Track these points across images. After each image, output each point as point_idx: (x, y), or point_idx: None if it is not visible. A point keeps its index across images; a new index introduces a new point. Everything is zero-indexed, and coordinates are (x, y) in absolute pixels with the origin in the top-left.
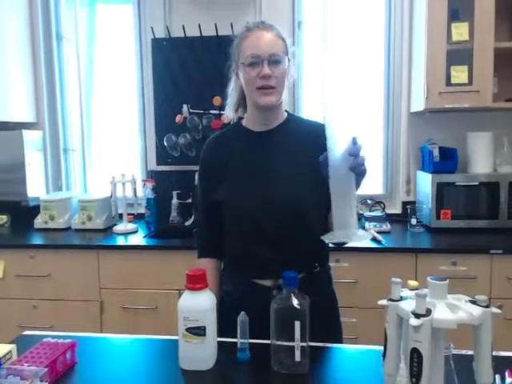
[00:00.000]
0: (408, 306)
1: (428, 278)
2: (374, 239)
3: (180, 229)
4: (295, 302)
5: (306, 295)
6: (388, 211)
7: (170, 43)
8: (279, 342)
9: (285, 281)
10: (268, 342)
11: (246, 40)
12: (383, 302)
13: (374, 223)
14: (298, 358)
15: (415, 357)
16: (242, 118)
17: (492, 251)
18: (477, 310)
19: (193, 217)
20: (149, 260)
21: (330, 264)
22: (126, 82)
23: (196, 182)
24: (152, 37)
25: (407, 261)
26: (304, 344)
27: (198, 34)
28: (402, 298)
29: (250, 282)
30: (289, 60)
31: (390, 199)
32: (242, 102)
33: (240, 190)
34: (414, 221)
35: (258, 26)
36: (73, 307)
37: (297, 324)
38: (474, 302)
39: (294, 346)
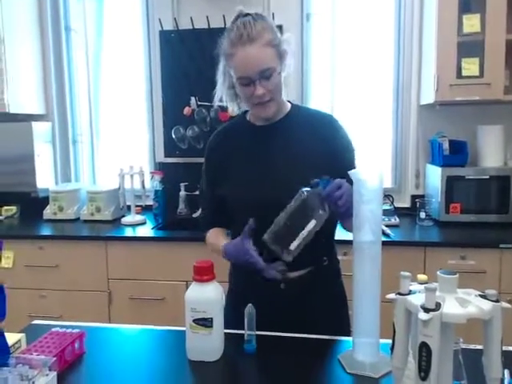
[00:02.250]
0: (417, 300)
1: (438, 272)
2: (382, 232)
3: (188, 220)
4: (324, 208)
5: (314, 288)
6: (397, 205)
7: (178, 35)
8: (288, 222)
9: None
10: (276, 334)
11: (233, 58)
12: (392, 295)
13: (383, 217)
14: (293, 246)
15: (424, 351)
16: (247, 112)
17: (502, 246)
18: (487, 305)
19: (199, 217)
20: (156, 251)
21: (338, 257)
22: (134, 74)
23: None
24: (160, 29)
25: (416, 254)
26: (304, 242)
27: (206, 26)
28: (410, 292)
29: (257, 276)
30: (281, 62)
31: (399, 192)
32: (239, 97)
33: (244, 184)
34: (422, 214)
35: (241, 39)
36: (81, 297)
37: (312, 222)
38: (483, 297)
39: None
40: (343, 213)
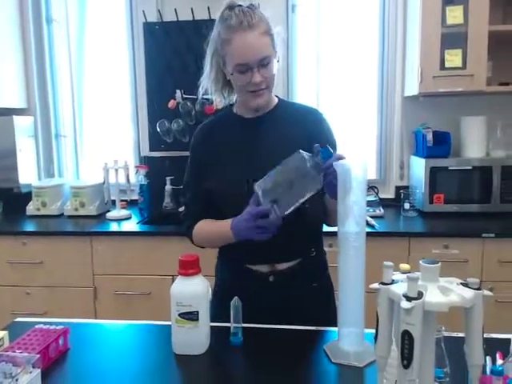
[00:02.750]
0: (400, 289)
1: (420, 261)
2: (367, 223)
3: (173, 215)
4: (321, 180)
5: (303, 280)
6: (381, 196)
7: (162, 27)
8: (282, 181)
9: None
10: (263, 326)
11: (230, 44)
12: (375, 285)
13: (368, 208)
14: (287, 211)
15: (406, 339)
16: (233, 105)
17: (484, 235)
18: (468, 293)
19: (183, 213)
20: (142, 246)
21: (324, 249)
22: (118, 66)
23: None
24: (144, 21)
25: (400, 245)
26: (297, 204)
27: (191, 18)
28: (393, 282)
29: (245, 269)
30: (276, 52)
31: (384, 184)
32: (227, 86)
33: (232, 176)
34: (407, 205)
35: (241, 25)
36: (66, 294)
37: (308, 194)
38: (465, 285)
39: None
40: (334, 188)
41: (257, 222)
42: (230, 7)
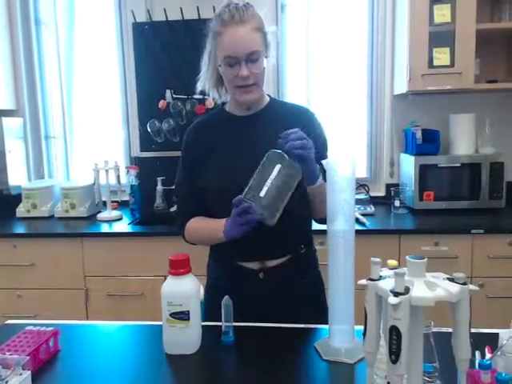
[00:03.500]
0: (387, 284)
1: (406, 257)
2: (358, 221)
3: (165, 215)
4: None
5: (293, 277)
6: (372, 194)
7: (152, 27)
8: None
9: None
10: (254, 324)
11: (221, 37)
12: (363, 281)
13: (359, 206)
14: (262, 193)
15: (394, 334)
16: (225, 104)
17: (473, 231)
18: (454, 288)
19: (175, 211)
20: (134, 247)
21: (316, 247)
22: (108, 67)
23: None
24: (133, 21)
25: (391, 242)
26: (275, 191)
27: (180, 18)
28: (381, 278)
29: (236, 266)
30: (267, 50)
31: (374, 182)
32: (221, 83)
33: (224, 174)
34: (397, 203)
35: (232, 20)
36: (58, 296)
37: (276, 167)
38: (451, 280)
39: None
40: (304, 160)
41: (236, 219)
42: (227, 5)
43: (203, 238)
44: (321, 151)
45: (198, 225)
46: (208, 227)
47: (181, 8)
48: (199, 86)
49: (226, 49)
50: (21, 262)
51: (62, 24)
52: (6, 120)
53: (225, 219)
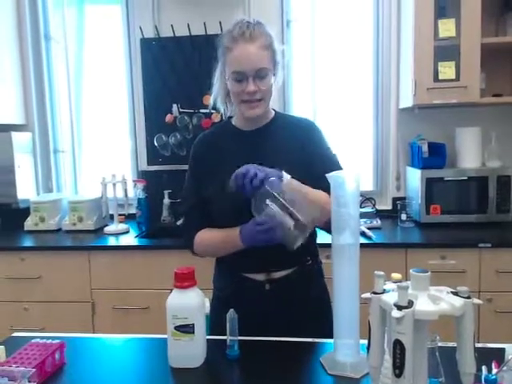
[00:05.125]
0: (390, 298)
1: (410, 271)
2: (364, 235)
3: (171, 228)
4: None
5: (299, 289)
6: (378, 207)
7: (159, 43)
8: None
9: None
10: (259, 338)
11: (231, 52)
12: (366, 295)
13: (365, 219)
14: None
15: (398, 348)
16: (231, 118)
17: (481, 245)
18: (458, 301)
19: (182, 223)
20: (140, 260)
21: (322, 260)
22: (116, 82)
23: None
24: (141, 37)
25: (397, 256)
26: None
27: (187, 34)
28: (384, 291)
29: (242, 277)
30: (275, 68)
31: (381, 195)
32: (230, 98)
33: (228, 188)
34: (403, 216)
35: (243, 36)
36: (64, 309)
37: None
38: (455, 294)
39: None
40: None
41: (259, 225)
42: (238, 22)
43: (215, 246)
44: (325, 165)
45: (209, 234)
46: (221, 236)
47: (188, 24)
48: (211, 100)
49: (234, 64)
50: (28, 275)
51: (72, 40)
52: (15, 135)
53: (240, 226)
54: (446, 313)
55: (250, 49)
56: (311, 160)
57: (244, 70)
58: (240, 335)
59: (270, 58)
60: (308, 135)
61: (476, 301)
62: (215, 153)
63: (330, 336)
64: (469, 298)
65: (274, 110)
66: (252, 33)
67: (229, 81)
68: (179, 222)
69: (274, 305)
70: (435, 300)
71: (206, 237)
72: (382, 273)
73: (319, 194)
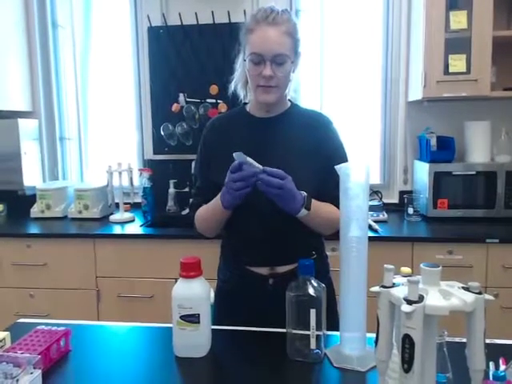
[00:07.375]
0: (400, 292)
1: (421, 265)
2: (371, 228)
3: (176, 218)
4: (311, 290)
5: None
6: (385, 200)
7: (167, 31)
8: (295, 331)
9: (300, 268)
10: (265, 329)
11: (252, 34)
12: (375, 288)
13: (371, 212)
14: (313, 345)
15: (407, 343)
16: (246, 104)
17: (488, 240)
18: (469, 297)
19: (190, 203)
20: (145, 249)
21: (327, 253)
22: (123, 70)
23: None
24: (148, 25)
25: (404, 250)
26: (320, 332)
27: (195, 22)
28: (394, 285)
29: (245, 270)
30: (296, 57)
31: (388, 188)
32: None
33: None
34: (410, 210)
35: (266, 20)
36: (69, 296)
37: (312, 312)
38: (466, 289)
39: (309, 334)
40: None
41: (231, 179)
42: (264, 7)
43: (206, 217)
44: (336, 159)
45: (203, 208)
46: (209, 205)
47: (196, 13)
48: (232, 84)
49: (253, 46)
50: (34, 262)
51: (79, 27)
52: (21, 121)
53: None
54: (457, 308)
55: (271, 32)
56: (325, 156)
57: (262, 53)
58: None
59: (290, 45)
60: (326, 133)
61: (488, 297)
62: (225, 137)
63: (336, 328)
64: (480, 293)
65: (290, 101)
66: (276, 17)
67: (246, 62)
68: (184, 212)
69: (278, 299)
70: (446, 295)
71: (201, 212)
72: (391, 266)
73: (331, 210)
